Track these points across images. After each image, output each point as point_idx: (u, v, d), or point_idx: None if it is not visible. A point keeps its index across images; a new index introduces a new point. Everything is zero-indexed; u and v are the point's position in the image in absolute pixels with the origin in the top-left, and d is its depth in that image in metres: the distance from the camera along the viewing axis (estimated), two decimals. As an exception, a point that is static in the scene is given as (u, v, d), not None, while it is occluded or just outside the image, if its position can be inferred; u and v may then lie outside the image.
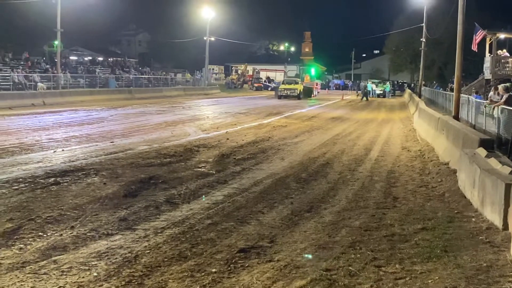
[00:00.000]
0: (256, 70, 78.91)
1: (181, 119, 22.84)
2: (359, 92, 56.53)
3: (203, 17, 59.99)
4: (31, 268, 5.04)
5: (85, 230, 6.31)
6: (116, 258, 5.37)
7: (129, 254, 5.50)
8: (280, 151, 13.48)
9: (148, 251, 5.63)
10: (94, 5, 45.56)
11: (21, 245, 5.69)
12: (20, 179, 9.19)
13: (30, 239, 5.91)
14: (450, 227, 6.72)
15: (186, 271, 5.14)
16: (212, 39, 62.87)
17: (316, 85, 61.03)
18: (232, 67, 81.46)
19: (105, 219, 6.81)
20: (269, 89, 69.15)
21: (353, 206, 7.97)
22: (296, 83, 49.32)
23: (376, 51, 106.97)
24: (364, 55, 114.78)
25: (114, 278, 4.88)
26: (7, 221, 6.59)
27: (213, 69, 79.27)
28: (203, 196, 8.32)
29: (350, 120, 24.57)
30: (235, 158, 12.18)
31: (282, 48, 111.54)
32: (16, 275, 4.86)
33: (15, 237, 5.98)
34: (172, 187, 8.93)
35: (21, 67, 40.35)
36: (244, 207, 7.70)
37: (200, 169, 10.73)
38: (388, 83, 66.33)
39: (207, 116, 25.34)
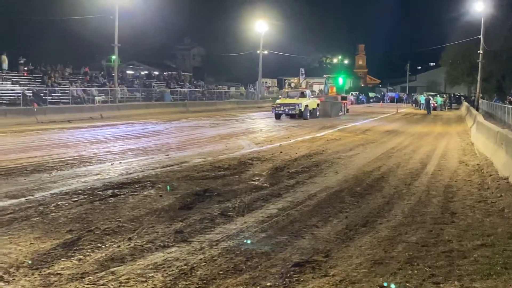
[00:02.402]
0: (310, 83, 78.77)
1: (234, 132, 22.99)
2: (415, 105, 55.02)
3: (256, 30, 60.41)
4: (90, 279, 5.15)
5: (142, 241, 6.41)
6: (172, 270, 5.43)
7: (185, 267, 5.56)
8: (334, 165, 13.40)
9: (204, 264, 5.68)
10: (151, 20, 46.48)
11: (81, 256, 5.82)
12: (79, 191, 9.43)
13: (89, 250, 6.04)
14: (511, 244, 6.54)
15: (242, 284, 5.16)
16: (266, 52, 63.23)
17: (345, 100, 44.24)
18: (285, 80, 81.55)
19: (161, 231, 6.91)
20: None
21: (410, 221, 7.84)
22: (303, 95, 35.03)
23: (432, 64, 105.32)
24: (419, 67, 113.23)
25: (171, 290, 4.94)
26: (67, 232, 6.77)
27: (266, 82, 79.56)
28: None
29: (405, 134, 24.22)
30: (288, 172, 12.17)
31: (335, 60, 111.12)
32: (75, 286, 4.97)
33: (75, 248, 6.12)
34: (226, 200, 8.98)
35: (79, 81, 41.46)
36: (298, 221, 7.68)
37: (254, 182, 10.76)
38: (439, 96, 63.99)
39: (261, 129, 25.43)
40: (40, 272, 5.28)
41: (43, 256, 5.78)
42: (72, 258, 5.76)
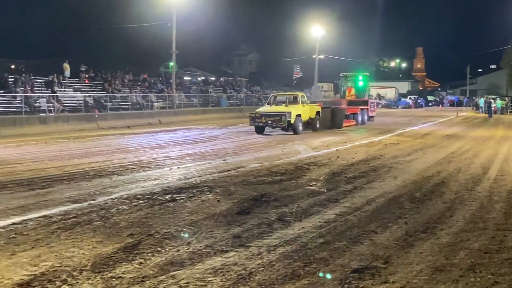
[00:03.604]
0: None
1: (290, 137, 22.96)
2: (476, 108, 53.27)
3: (312, 35, 60.25)
4: (150, 282, 5.23)
5: (200, 246, 6.47)
6: (231, 275, 5.46)
7: (243, 271, 5.58)
8: (393, 170, 13.22)
9: (262, 269, 5.69)
10: (208, 27, 47.01)
11: (141, 260, 5.92)
12: (139, 196, 9.61)
13: (149, 254, 6.13)
14: None
15: (300, 290, 5.16)
16: (322, 56, 62.97)
17: (366, 105, 34.40)
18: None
19: (220, 236, 6.96)
20: (379, 106, 68.15)
21: (472, 227, 7.66)
22: (296, 101, 25.98)
23: (493, 66, 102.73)
24: (480, 70, 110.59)
25: (229, 294, 4.97)
26: (127, 236, 6.90)
27: (322, 86, 79.16)
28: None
29: (465, 138, 23.68)
30: (346, 177, 12.08)
31: (393, 64, 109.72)
32: (136, 289, 5.06)
33: (135, 252, 6.23)
34: (283, 205, 8.98)
35: (139, 88, 42.28)
36: (356, 226, 7.61)
37: (311, 187, 10.72)
38: (499, 99, 61.69)
39: (316, 133, 25.34)
40: (102, 275, 5.39)
41: (105, 260, 5.90)
42: (133, 261, 5.87)
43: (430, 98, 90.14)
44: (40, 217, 7.96)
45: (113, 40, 47.19)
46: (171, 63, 42.65)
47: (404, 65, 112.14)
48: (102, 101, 35.07)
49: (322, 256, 6.16)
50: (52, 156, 15.92)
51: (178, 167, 13.52)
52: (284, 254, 6.21)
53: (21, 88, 31.68)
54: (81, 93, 36.05)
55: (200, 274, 5.47)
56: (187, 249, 6.35)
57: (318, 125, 27.08)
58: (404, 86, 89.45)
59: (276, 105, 26.07)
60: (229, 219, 7.92)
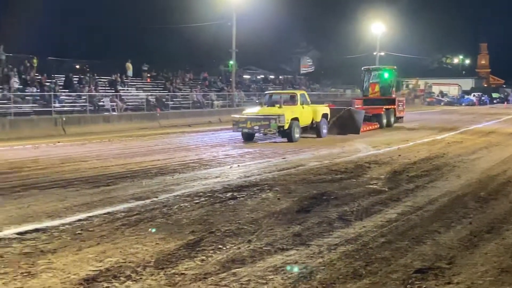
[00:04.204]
0: (428, 84, 76.61)
1: (350, 135, 22.75)
2: None
3: (373, 32, 59.56)
4: (212, 279, 5.28)
5: (261, 244, 6.49)
6: (291, 273, 5.46)
7: (304, 270, 5.57)
8: (456, 168, 12.92)
9: (323, 268, 5.66)
10: (267, 25, 47.08)
11: (203, 257, 5.99)
12: (201, 193, 9.72)
13: (211, 251, 6.20)
14: None
15: (361, 289, 5.11)
16: (382, 54, 62.17)
17: (393, 104, 29.18)
18: (402, 81, 79.77)
19: (280, 234, 6.96)
20: (442, 104, 66.88)
21: (540, 228, 7.41)
22: (293, 101, 21.64)
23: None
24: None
25: (291, 293, 4.98)
26: (189, 233, 6.99)
27: (382, 84, 78.23)
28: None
29: (532, 135, 22.92)
30: (408, 175, 11.88)
31: (456, 61, 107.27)
32: (199, 286, 5.12)
33: (197, 249, 6.30)
34: (344, 203, 8.91)
35: (199, 87, 42.78)
36: (419, 226, 7.48)
37: (371, 186, 10.60)
38: None
39: (377, 132, 25.04)
40: (165, 272, 5.48)
41: (168, 256, 6.00)
42: (195, 258, 5.94)
43: (494, 95, 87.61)
44: (104, 213, 8.16)
45: (174, 39, 47.91)
46: (231, 62, 42.96)
47: (467, 61, 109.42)
48: (164, 99, 35.67)
49: (383, 256, 6.08)
50: (115, 154, 16.29)
51: (238, 165, 13.62)
52: (345, 253, 6.17)
53: (85, 87, 32.54)
54: (143, 92, 36.76)
55: (261, 272, 5.49)
56: (248, 246, 6.38)
57: (325, 130, 22.36)
58: (467, 83, 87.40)
59: (269, 106, 21.48)
60: (289, 217, 7.92)
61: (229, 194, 9.66)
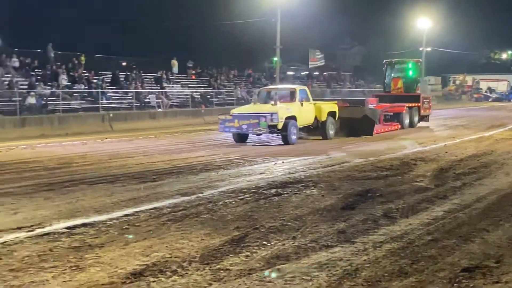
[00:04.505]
0: (476, 80, 75.08)
1: (395, 132, 22.48)
2: None
3: (419, 27, 58.70)
4: (257, 275, 5.30)
5: (305, 240, 6.48)
6: (336, 270, 5.44)
7: (349, 267, 5.54)
8: (505, 166, 12.64)
9: (368, 265, 5.62)
10: (312, 21, 46.87)
11: (248, 253, 6.01)
12: (245, 190, 9.77)
13: (255, 247, 6.22)
14: None
15: (407, 287, 5.05)
16: (429, 49, 61.21)
17: (417, 101, 26.50)
18: (449, 77, 78.40)
19: (324, 231, 6.94)
20: (490, 100, 65.48)
21: None
22: (291, 97, 19.43)
23: None
24: None
25: (336, 289, 4.96)
26: (234, 229, 7.03)
27: (429, 80, 77.01)
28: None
29: None
30: (454, 173, 11.68)
31: (504, 56, 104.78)
32: (243, 282, 5.15)
33: (242, 245, 6.34)
34: (389, 201, 8.81)
35: (243, 83, 42.92)
36: (466, 224, 7.35)
37: (417, 183, 10.45)
38: None
39: (424, 129, 24.70)
40: (211, 267, 5.52)
41: (213, 252, 6.04)
42: (240, 254, 5.97)
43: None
44: (151, 209, 8.27)
45: (219, 36, 48.19)
46: (275, 58, 42.93)
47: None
48: (208, 96, 35.91)
49: (430, 254, 6.00)
50: (161, 150, 16.48)
51: (283, 162, 13.63)
52: (390, 251, 6.11)
53: (132, 84, 33.01)
54: (188, 89, 37.06)
55: (305, 269, 5.48)
56: (292, 243, 6.38)
57: (332, 131, 20.02)
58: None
59: (264, 103, 19.51)
60: (334, 214, 7.89)
61: (273, 191, 9.67)
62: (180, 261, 5.72)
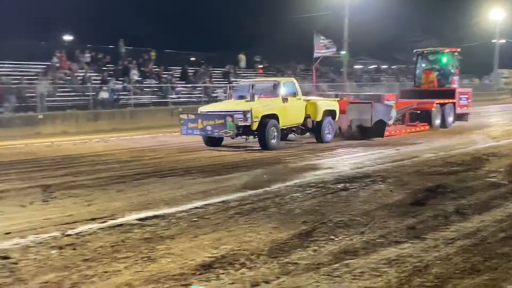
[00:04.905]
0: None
1: (466, 126, 21.90)
2: None
3: (492, 19, 56.89)
4: (325, 270, 5.29)
5: (374, 236, 6.42)
6: (406, 266, 5.36)
7: (419, 263, 5.45)
8: None
9: (439, 262, 5.51)
10: (381, 14, 46.16)
11: (315, 247, 6.00)
12: (312, 184, 9.75)
13: (323, 242, 6.20)
14: None
15: (480, 285, 4.92)
16: (503, 41, 59.24)
17: (452, 97, 23.10)
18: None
19: (393, 226, 6.85)
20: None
21: None
22: (274, 92, 16.27)
23: None
24: None
25: (406, 286, 4.87)
26: (301, 223, 7.03)
27: (502, 73, 74.58)
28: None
29: None
30: (530, 168, 11.31)
31: None
32: (311, 276, 5.14)
33: (309, 239, 6.33)
34: (461, 197, 8.60)
35: (310, 77, 42.78)
36: (542, 222, 7.10)
37: (490, 179, 10.15)
38: None
39: (496, 123, 23.96)
40: (279, 260, 5.54)
41: (281, 245, 6.06)
42: (308, 248, 5.96)
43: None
44: (219, 202, 8.37)
45: (286, 30, 48.11)
46: (343, 52, 42.56)
47: None
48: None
49: (504, 252, 5.83)
50: (228, 143, 16.57)
51: (350, 156, 13.53)
52: (462, 248, 5.97)
53: (200, 79, 33.42)
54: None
55: (374, 264, 5.43)
56: (361, 238, 6.33)
57: (329, 133, 17.19)
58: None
59: (240, 98, 16.53)
60: (403, 210, 7.77)
61: (341, 185, 9.61)
62: (248, 254, 5.77)
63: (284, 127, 16.10)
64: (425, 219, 7.22)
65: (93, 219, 7.30)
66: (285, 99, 15.76)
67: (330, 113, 17.33)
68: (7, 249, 5.90)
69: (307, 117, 16.77)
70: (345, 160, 13.03)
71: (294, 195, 8.85)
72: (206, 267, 5.36)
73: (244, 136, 15.80)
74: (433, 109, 21.72)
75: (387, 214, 7.50)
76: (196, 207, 8.02)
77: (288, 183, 9.87)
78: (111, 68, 30.55)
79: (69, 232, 6.62)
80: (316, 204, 8.16)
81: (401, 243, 6.15)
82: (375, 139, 17.59)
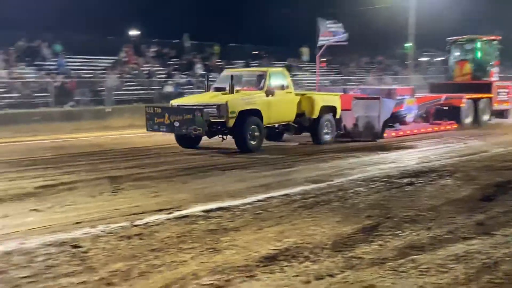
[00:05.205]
0: None
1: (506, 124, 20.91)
2: None
3: None
4: (390, 265, 5.22)
5: (441, 231, 6.28)
6: (474, 263, 5.23)
7: (488, 260, 5.31)
8: None
9: (508, 259, 5.35)
10: (447, 5, 45.10)
11: (380, 242, 5.93)
12: (376, 178, 9.64)
13: (388, 237, 6.12)
14: None
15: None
16: None
17: (488, 91, 20.98)
18: None
19: (461, 222, 6.69)
20: None
21: None
22: (258, 83, 14.20)
23: None
24: None
25: (474, 282, 4.76)
26: (366, 217, 6.96)
27: None
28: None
29: None
30: None
31: None
32: (376, 271, 5.08)
33: (374, 233, 6.26)
34: (532, 192, 8.35)
35: (374, 70, 42.28)
36: None
37: None
38: None
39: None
40: (343, 254, 5.50)
41: (345, 240, 6.02)
42: (372, 243, 5.90)
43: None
44: (282, 195, 8.38)
45: (349, 22, 47.61)
46: (408, 44, 41.79)
47: None
48: (339, 83, 35.69)
49: None
50: (288, 137, 16.42)
51: (416, 150, 13.33)
52: (534, 245, 5.79)
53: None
54: (319, 77, 37.03)
55: (441, 260, 5.32)
56: (427, 234, 6.21)
57: (328, 133, 15.21)
58: None
59: (218, 91, 14.30)
60: (471, 205, 7.59)
61: (406, 180, 9.46)
62: (312, 247, 5.75)
63: (270, 125, 14.06)
64: (495, 215, 7.03)
65: (160, 210, 7.43)
66: (270, 92, 13.68)
67: (330, 109, 15.25)
68: (78, 238, 6.09)
69: (301, 114, 14.74)
70: (411, 154, 12.83)
71: (357, 189, 8.77)
72: (270, 259, 5.37)
73: (223, 136, 13.69)
74: (462, 105, 19.52)
75: (454, 210, 7.34)
76: (259, 200, 8.04)
77: (351, 177, 9.80)
78: (176, 63, 30.99)
79: (137, 222, 6.77)
80: (380, 199, 8.07)
81: (469, 239, 6.00)
82: (377, 141, 15.52)
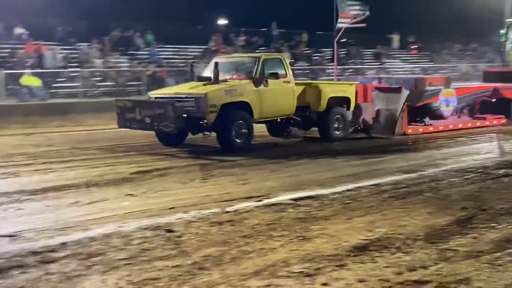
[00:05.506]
0: None
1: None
2: None
3: None
4: (486, 258, 5.05)
5: (540, 225, 6.04)
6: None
7: None
8: None
9: None
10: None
11: (475, 234, 5.75)
12: (471, 169, 9.36)
13: (483, 229, 5.92)
14: None
15: None
16: None
17: None
18: None
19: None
20: None
21: None
22: (248, 72, 12.20)
23: None
24: None
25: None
26: (460, 209, 6.76)
27: None
28: None
29: None
30: None
31: None
32: (471, 263, 4.93)
33: (469, 226, 6.07)
34: None
35: (468, 58, 40.93)
36: None
37: None
38: None
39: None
40: (436, 246, 5.37)
41: (438, 231, 5.88)
42: (467, 235, 5.72)
43: None
44: (372, 185, 8.27)
45: (443, 9, 46.21)
46: (502, 31, 40.12)
47: None
48: (430, 71, 34.79)
49: None
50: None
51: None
52: None
53: (351, 60, 33.19)
54: (409, 64, 36.28)
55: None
56: (527, 227, 5.98)
57: (340, 130, 13.26)
58: None
59: (201, 80, 12.21)
60: None
61: (502, 171, 9.14)
62: (403, 238, 5.66)
63: (262, 119, 12.33)
64: None
65: (249, 198, 7.52)
66: (260, 82, 11.83)
67: (342, 101, 13.42)
68: (172, 223, 6.26)
69: (306, 106, 12.98)
70: (507, 144, 12.36)
71: (451, 180, 8.56)
72: (361, 249, 5.33)
73: (207, 133, 11.85)
74: None
75: (555, 203, 7.02)
76: (349, 189, 7.99)
77: (445, 168, 9.57)
78: (264, 51, 31.11)
79: (228, 209, 6.88)
80: (475, 190, 7.83)
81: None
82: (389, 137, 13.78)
